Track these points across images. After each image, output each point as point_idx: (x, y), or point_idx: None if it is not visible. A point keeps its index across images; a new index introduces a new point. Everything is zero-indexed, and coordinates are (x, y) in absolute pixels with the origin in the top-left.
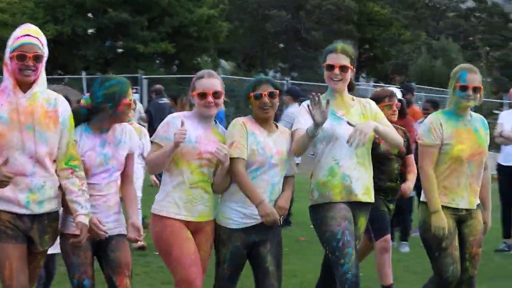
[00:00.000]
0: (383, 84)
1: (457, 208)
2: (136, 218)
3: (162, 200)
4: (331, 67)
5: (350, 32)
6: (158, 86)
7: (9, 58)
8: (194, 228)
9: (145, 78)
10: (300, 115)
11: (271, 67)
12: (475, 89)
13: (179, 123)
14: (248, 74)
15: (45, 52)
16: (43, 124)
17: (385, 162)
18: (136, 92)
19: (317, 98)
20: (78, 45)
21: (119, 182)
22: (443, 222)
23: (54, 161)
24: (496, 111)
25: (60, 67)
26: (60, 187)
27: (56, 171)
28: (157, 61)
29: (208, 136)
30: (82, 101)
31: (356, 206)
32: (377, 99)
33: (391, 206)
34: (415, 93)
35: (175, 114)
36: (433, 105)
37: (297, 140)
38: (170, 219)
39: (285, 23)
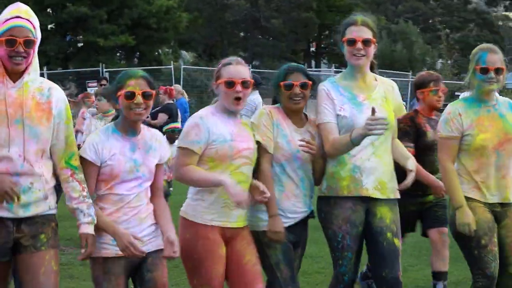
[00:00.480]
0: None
1: (491, 203)
2: (172, 232)
3: (196, 204)
4: (352, 42)
5: (310, 19)
6: None
7: None
8: (231, 234)
9: (107, 71)
10: (322, 104)
11: (232, 56)
12: (498, 71)
13: (211, 124)
14: (209, 64)
15: (37, 36)
16: (34, 117)
17: (427, 153)
18: (105, 85)
19: (376, 111)
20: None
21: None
22: (467, 218)
23: (46, 158)
24: (458, 93)
25: None
26: (55, 188)
27: (55, 170)
28: (118, 54)
29: (241, 131)
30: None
31: (369, 199)
32: (422, 84)
33: (430, 198)
34: None
35: (202, 113)
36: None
37: (336, 144)
38: (205, 228)
39: (244, 11)
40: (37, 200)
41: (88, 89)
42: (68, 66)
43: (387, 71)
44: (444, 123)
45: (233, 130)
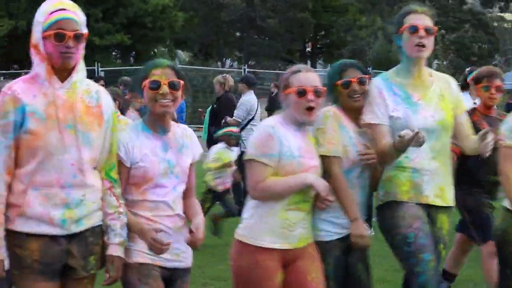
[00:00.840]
0: None
1: None
2: (202, 224)
3: (254, 226)
4: (414, 29)
5: (306, 19)
6: (126, 78)
7: (41, 38)
8: (293, 255)
9: (102, 70)
10: (374, 104)
11: (227, 56)
12: None
13: (282, 135)
14: (205, 64)
15: (84, 30)
16: (86, 122)
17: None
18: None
19: (420, 135)
20: None
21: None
22: None
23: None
24: None
25: (16, 62)
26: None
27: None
28: (114, 53)
29: (309, 146)
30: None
31: (429, 205)
32: (477, 79)
33: (496, 204)
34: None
35: (271, 122)
36: None
37: (384, 151)
38: (264, 252)
39: (240, 11)
40: (90, 213)
41: None
42: None
43: (383, 71)
44: (509, 131)
45: (302, 145)
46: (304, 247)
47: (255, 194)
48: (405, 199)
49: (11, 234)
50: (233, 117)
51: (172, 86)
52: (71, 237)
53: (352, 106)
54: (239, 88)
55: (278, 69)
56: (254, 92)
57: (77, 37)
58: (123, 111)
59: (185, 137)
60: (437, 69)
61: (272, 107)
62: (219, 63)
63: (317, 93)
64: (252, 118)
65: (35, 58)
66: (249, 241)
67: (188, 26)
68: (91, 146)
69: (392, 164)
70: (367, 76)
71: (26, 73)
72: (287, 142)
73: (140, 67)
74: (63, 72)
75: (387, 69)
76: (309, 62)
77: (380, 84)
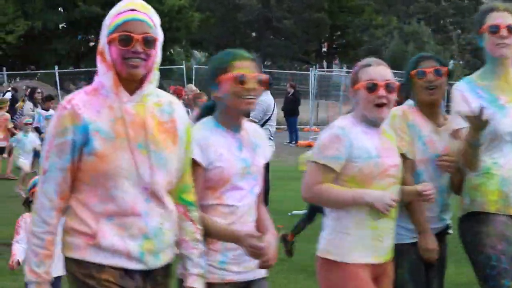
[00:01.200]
0: None
1: None
2: (274, 242)
3: (340, 240)
4: (495, 29)
5: (322, 20)
6: None
7: (106, 43)
8: (380, 271)
9: None
10: (458, 108)
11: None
12: None
13: (353, 136)
14: None
15: (159, 34)
16: (159, 141)
17: None
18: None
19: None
20: (50, 39)
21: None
22: None
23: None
24: None
25: (32, 62)
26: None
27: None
28: None
29: (385, 144)
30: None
31: None
32: None
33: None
34: None
35: (341, 123)
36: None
37: (462, 152)
38: (354, 267)
39: (256, 12)
40: (167, 245)
41: None
42: (80, 65)
43: (398, 71)
44: None
45: (378, 143)
46: (387, 263)
47: (307, 195)
48: (493, 210)
49: (81, 264)
50: (250, 117)
51: (259, 81)
52: (146, 273)
53: (426, 99)
54: None
55: (294, 69)
56: (270, 92)
57: (148, 41)
58: None
59: (257, 136)
60: (454, 70)
61: (287, 108)
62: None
63: (389, 88)
64: (269, 119)
65: (100, 66)
66: (336, 258)
67: (204, 27)
68: (166, 168)
69: (479, 170)
70: (444, 67)
71: (42, 73)
72: (360, 143)
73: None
74: (131, 82)
75: (403, 69)
76: (325, 62)
77: (463, 88)
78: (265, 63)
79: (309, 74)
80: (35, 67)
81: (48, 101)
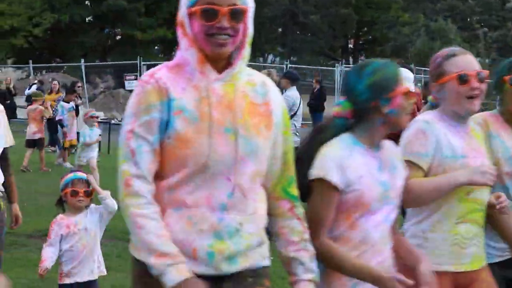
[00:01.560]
0: None
1: None
2: (431, 274)
3: (416, 245)
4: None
5: (348, 15)
6: None
7: (187, 15)
8: (465, 280)
9: (144, 64)
10: None
11: (270, 51)
12: None
13: (439, 132)
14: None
15: (248, 3)
16: (249, 125)
17: None
18: (135, 79)
19: None
20: (76, 33)
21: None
22: None
23: (259, 185)
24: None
25: (58, 55)
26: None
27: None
28: (156, 47)
29: (471, 143)
30: (336, 109)
31: None
32: None
33: None
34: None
35: (426, 117)
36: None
37: None
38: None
39: (283, 7)
40: (247, 249)
41: (126, 83)
42: (106, 59)
43: (425, 68)
44: None
45: (464, 142)
46: (478, 271)
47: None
48: None
49: (141, 264)
50: None
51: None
52: (219, 279)
53: None
54: (281, 84)
55: (320, 65)
56: (296, 88)
57: (235, 14)
58: None
59: (395, 155)
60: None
61: (313, 103)
62: (260, 59)
63: (480, 78)
64: (295, 114)
65: (182, 40)
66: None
67: None
68: (256, 157)
69: None
70: None
71: (68, 66)
72: (446, 141)
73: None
74: (217, 60)
75: (428, 66)
76: (351, 58)
77: None
78: (291, 58)
79: (335, 70)
80: (61, 60)
81: (69, 93)
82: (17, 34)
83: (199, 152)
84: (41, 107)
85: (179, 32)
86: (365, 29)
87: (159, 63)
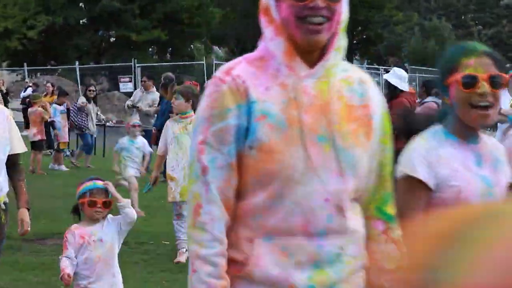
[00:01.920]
0: (376, 66)
1: None
2: None
3: None
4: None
5: None
6: (169, 74)
7: None
8: None
9: (139, 66)
10: None
11: None
12: None
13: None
14: None
15: None
16: (346, 133)
17: None
18: (130, 81)
19: None
20: (71, 35)
21: None
22: None
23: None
24: None
25: (53, 57)
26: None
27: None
28: (150, 49)
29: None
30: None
31: None
32: None
33: None
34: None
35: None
36: (426, 90)
37: None
38: None
39: None
40: (349, 275)
41: (120, 85)
42: (101, 61)
43: (419, 67)
44: None
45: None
46: None
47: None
48: None
49: None
50: None
51: (493, 83)
52: None
53: None
54: None
55: None
56: None
57: None
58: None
59: (498, 150)
60: None
61: None
62: None
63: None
64: None
65: (266, 30)
66: None
67: (224, 22)
68: (355, 170)
69: None
70: None
71: (63, 69)
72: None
73: (177, 63)
74: (311, 51)
75: (423, 65)
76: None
77: None
78: None
79: None
80: (56, 63)
81: (62, 96)
82: (11, 36)
83: (289, 166)
84: (40, 109)
85: (263, 20)
86: (359, 28)
87: (154, 65)
